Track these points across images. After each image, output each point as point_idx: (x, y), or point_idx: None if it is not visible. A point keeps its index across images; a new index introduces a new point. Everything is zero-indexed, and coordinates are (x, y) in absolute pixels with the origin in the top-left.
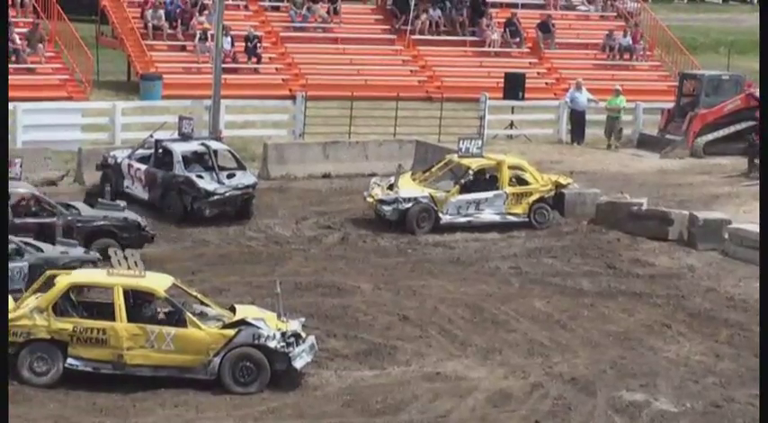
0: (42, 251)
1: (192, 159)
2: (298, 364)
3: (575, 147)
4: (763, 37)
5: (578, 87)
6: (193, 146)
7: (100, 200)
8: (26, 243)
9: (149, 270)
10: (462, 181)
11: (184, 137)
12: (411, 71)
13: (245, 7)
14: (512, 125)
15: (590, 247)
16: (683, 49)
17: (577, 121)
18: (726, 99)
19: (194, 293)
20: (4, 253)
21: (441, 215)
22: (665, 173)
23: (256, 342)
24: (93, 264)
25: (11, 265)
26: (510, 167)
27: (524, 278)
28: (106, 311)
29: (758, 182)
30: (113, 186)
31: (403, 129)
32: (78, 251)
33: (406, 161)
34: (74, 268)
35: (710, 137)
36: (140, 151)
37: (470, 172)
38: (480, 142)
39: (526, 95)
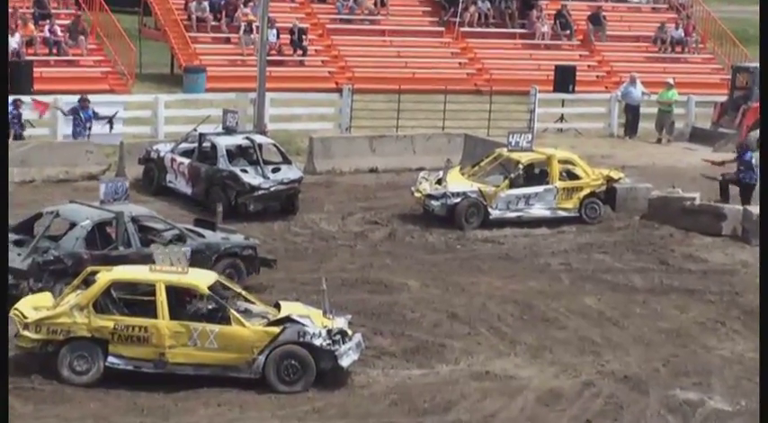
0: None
1: (236, 153)
2: (344, 362)
3: (626, 140)
4: (764, 37)
5: (632, 81)
6: (238, 140)
7: (219, 225)
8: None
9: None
10: (512, 175)
11: (228, 130)
12: (459, 64)
13: None
14: (562, 118)
15: (642, 243)
16: (735, 41)
17: (632, 116)
18: None
19: (238, 290)
20: (3, 253)
21: (490, 210)
22: (718, 167)
23: (301, 340)
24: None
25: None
26: (560, 162)
27: (575, 274)
28: (148, 309)
29: None
30: (156, 181)
31: (451, 122)
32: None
33: (455, 155)
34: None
35: None
36: (183, 145)
37: (520, 166)
38: (530, 136)
39: (577, 88)
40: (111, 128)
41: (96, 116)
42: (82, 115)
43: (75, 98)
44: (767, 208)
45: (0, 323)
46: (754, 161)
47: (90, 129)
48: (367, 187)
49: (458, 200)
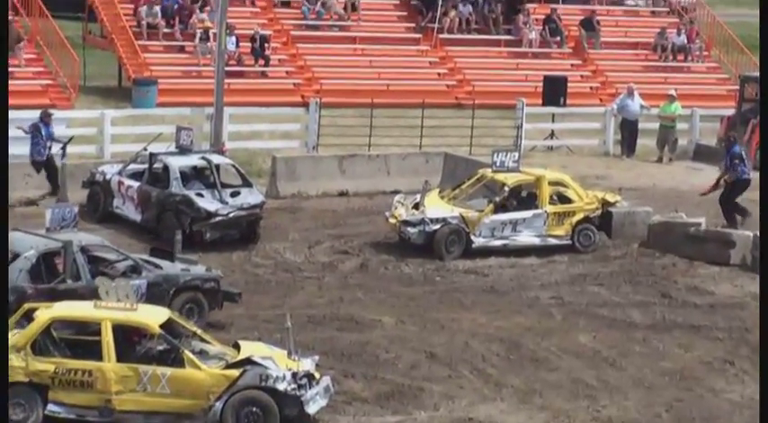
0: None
1: (190, 175)
2: (311, 408)
3: (624, 159)
4: (763, 37)
5: (630, 93)
6: (193, 160)
7: (178, 255)
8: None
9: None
10: (497, 199)
11: (182, 150)
12: (438, 74)
13: (252, 3)
14: (552, 135)
15: (641, 274)
16: (743, 49)
17: (629, 132)
18: None
19: (193, 328)
20: (3, 253)
21: (472, 238)
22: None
23: (264, 384)
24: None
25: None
26: (551, 183)
27: (567, 309)
28: (93, 350)
29: None
30: (102, 206)
31: (430, 140)
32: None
33: (434, 177)
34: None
35: None
36: (132, 166)
37: (506, 189)
38: (517, 155)
39: (568, 102)
40: (64, 155)
41: (52, 137)
42: (43, 132)
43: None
44: (767, 219)
45: (0, 323)
46: (744, 152)
47: (50, 148)
48: (336, 213)
49: (437, 226)
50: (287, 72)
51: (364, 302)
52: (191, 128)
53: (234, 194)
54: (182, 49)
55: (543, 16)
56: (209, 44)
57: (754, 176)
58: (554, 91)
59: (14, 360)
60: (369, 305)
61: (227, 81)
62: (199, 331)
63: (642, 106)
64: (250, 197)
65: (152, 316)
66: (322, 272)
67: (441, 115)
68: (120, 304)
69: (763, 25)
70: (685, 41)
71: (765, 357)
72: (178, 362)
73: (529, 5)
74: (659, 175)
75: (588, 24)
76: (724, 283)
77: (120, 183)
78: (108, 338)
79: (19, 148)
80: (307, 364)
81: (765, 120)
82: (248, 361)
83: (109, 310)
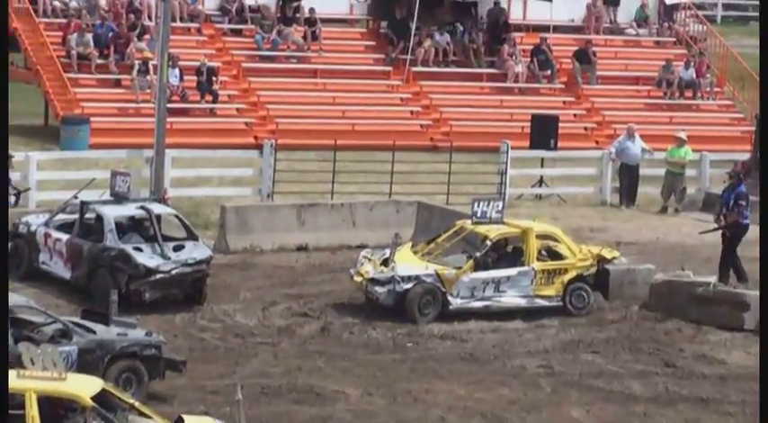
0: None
1: (127, 227)
2: None
3: (622, 210)
4: (763, 38)
5: (630, 135)
6: (130, 210)
7: (113, 318)
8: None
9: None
10: (478, 254)
11: (118, 198)
12: (411, 113)
13: (198, 31)
14: (541, 182)
15: (642, 340)
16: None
17: (629, 178)
18: None
19: (130, 401)
20: (3, 253)
21: (450, 298)
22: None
23: None
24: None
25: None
26: (539, 237)
27: (557, 380)
28: None
29: None
30: (25, 261)
31: (401, 187)
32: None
33: (405, 229)
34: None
35: None
36: (61, 216)
37: (488, 243)
38: (501, 204)
39: (560, 144)
40: (17, 201)
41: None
42: None
43: None
44: (767, 220)
45: (0, 323)
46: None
47: None
48: (294, 269)
49: (409, 285)
50: (238, 109)
51: (326, 372)
52: (128, 173)
53: (177, 249)
54: (117, 83)
55: (531, 47)
56: (148, 77)
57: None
58: (543, 132)
59: None
60: (331, 375)
61: (169, 119)
62: (137, 404)
63: (644, 150)
64: (195, 252)
65: (83, 387)
66: (278, 337)
67: (414, 159)
68: (47, 373)
69: (764, 25)
70: (694, 76)
71: (765, 358)
72: None
73: (515, 35)
74: (663, 227)
75: (583, 56)
76: (736, 350)
77: (46, 235)
78: (33, 412)
79: None
80: None
81: (765, 128)
82: None
83: (34, 379)
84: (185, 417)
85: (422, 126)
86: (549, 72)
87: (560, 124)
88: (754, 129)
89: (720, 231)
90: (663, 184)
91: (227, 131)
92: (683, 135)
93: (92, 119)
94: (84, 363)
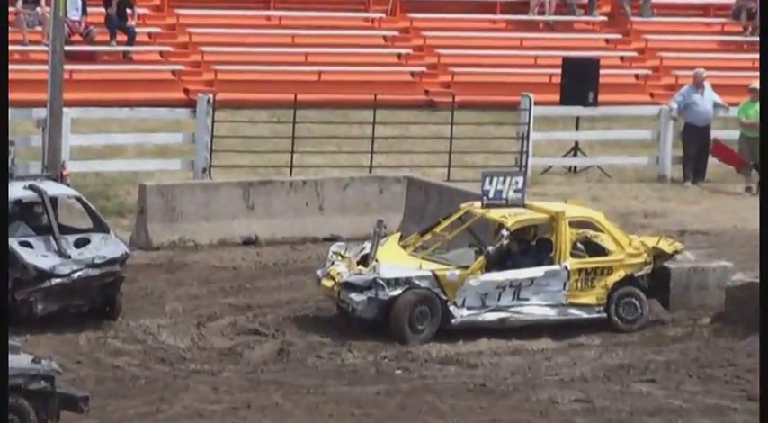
0: None
1: (13, 215)
2: None
3: (687, 188)
4: (763, 37)
5: (698, 85)
6: (15, 191)
7: None
8: None
9: None
10: (490, 249)
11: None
12: (399, 57)
13: None
14: (576, 150)
15: (715, 364)
16: None
17: (697, 145)
18: None
19: None
20: (3, 253)
21: (453, 309)
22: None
23: None
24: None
25: None
26: (573, 224)
27: (600, 419)
28: None
29: None
30: None
31: (385, 158)
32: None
33: (392, 215)
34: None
35: None
36: None
37: (504, 233)
38: (521, 181)
39: (601, 98)
40: None
41: None
42: None
43: None
44: (767, 220)
45: (0, 323)
46: None
47: None
48: (240, 271)
49: (396, 292)
50: (162, 53)
51: (284, 409)
52: (12, 141)
53: (80, 244)
54: None
55: None
56: (38, 10)
57: None
58: (579, 81)
59: None
60: (291, 413)
61: (67, 67)
62: None
63: (717, 105)
64: (105, 248)
65: None
66: (219, 363)
67: (403, 120)
68: None
69: (764, 25)
70: None
71: (765, 357)
72: None
73: None
74: (743, 211)
75: None
76: None
77: None
78: None
79: None
80: None
81: (766, 124)
82: None
83: None
84: None
85: (413, 75)
86: (586, 1)
87: (602, 71)
88: None
89: None
90: (738, 151)
91: (147, 83)
92: (756, 85)
93: None
94: None
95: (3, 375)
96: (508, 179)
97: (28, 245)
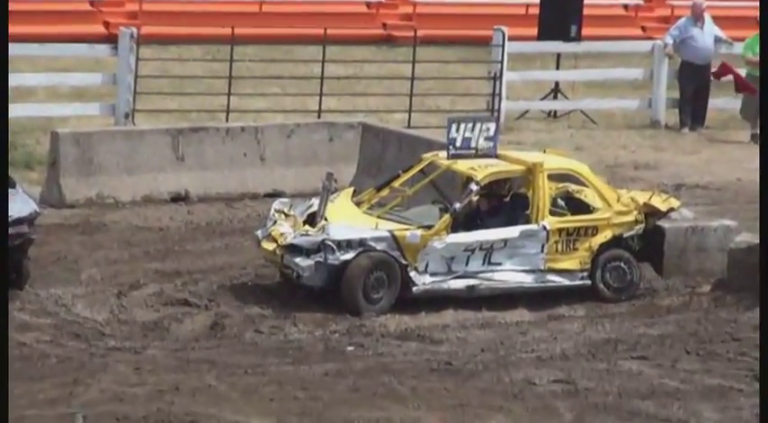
0: None
1: None
2: None
3: (684, 135)
4: (764, 36)
5: (697, 17)
6: None
7: None
8: None
9: None
10: (457, 206)
11: None
12: None
13: None
14: (556, 92)
15: (716, 339)
16: None
17: (695, 85)
18: None
19: None
20: (3, 249)
21: (414, 275)
22: None
23: None
24: None
25: None
26: (554, 177)
27: (583, 403)
28: None
29: None
30: None
31: (337, 101)
32: None
33: (344, 167)
34: None
35: None
36: None
37: (473, 187)
38: (493, 127)
39: (585, 32)
40: None
41: None
42: None
43: None
44: (767, 219)
45: (0, 323)
46: None
47: None
48: (168, 233)
49: (349, 255)
50: None
51: (218, 393)
52: None
53: None
54: None
55: None
56: None
57: None
58: (560, 13)
59: None
60: (227, 398)
61: None
62: None
63: (719, 40)
64: (11, 206)
65: None
66: (142, 339)
67: (356, 56)
68: None
69: (764, 25)
70: None
71: (765, 357)
72: None
73: None
74: (749, 161)
75: None
76: None
77: None
78: None
79: None
80: None
81: (765, 119)
82: None
83: None
84: None
85: (368, 5)
86: None
87: (586, 1)
88: None
89: None
90: (743, 98)
91: (60, 15)
92: None
93: None
94: None
95: (2, 374)
96: (478, 125)
97: None
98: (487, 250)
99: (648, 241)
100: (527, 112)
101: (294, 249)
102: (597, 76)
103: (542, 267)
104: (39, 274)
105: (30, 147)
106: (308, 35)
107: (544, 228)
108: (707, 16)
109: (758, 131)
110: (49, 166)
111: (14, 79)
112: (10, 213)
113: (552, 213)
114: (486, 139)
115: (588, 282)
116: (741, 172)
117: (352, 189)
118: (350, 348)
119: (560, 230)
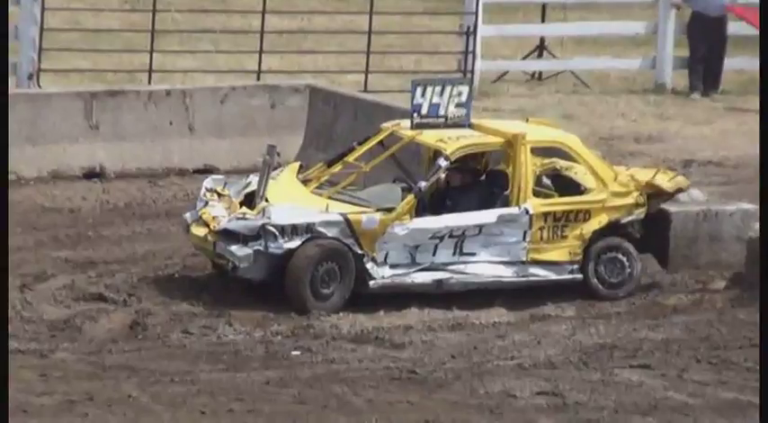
0: None
1: None
2: None
3: (695, 101)
4: (764, 36)
5: None
6: None
7: None
8: None
9: None
10: (422, 184)
11: None
12: None
13: None
14: (542, 49)
15: (731, 344)
16: None
17: (707, 42)
18: None
19: None
20: (4, 248)
21: (371, 267)
22: None
23: None
24: None
25: None
26: (538, 151)
27: (572, 419)
28: None
29: None
30: None
31: (279, 59)
32: None
33: (288, 138)
34: None
35: None
36: None
37: (442, 163)
38: (466, 91)
39: None
40: None
41: None
42: None
43: None
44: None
45: (0, 323)
46: None
47: None
48: (79, 214)
49: (294, 244)
50: None
51: (139, 404)
52: None
53: None
54: None
55: None
56: None
57: None
58: None
59: None
60: (149, 409)
61: None
62: None
63: None
64: None
65: None
66: (50, 340)
67: (303, 7)
68: None
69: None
70: None
71: (765, 356)
72: None
73: None
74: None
75: None
76: None
77: None
78: None
79: None
80: None
81: (764, 115)
82: None
83: None
84: None
85: None
86: None
87: None
88: None
89: None
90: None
91: None
92: None
93: None
94: None
95: (3, 374)
96: (448, 89)
97: None
98: (459, 238)
99: (651, 228)
100: (506, 73)
101: (229, 235)
102: (590, 30)
103: (524, 258)
104: None
105: None
106: None
107: (526, 211)
108: None
109: None
110: None
111: None
112: None
113: (536, 194)
114: (458, 105)
115: (579, 276)
116: (759, 147)
117: (297, 164)
118: (295, 353)
119: (546, 214)
